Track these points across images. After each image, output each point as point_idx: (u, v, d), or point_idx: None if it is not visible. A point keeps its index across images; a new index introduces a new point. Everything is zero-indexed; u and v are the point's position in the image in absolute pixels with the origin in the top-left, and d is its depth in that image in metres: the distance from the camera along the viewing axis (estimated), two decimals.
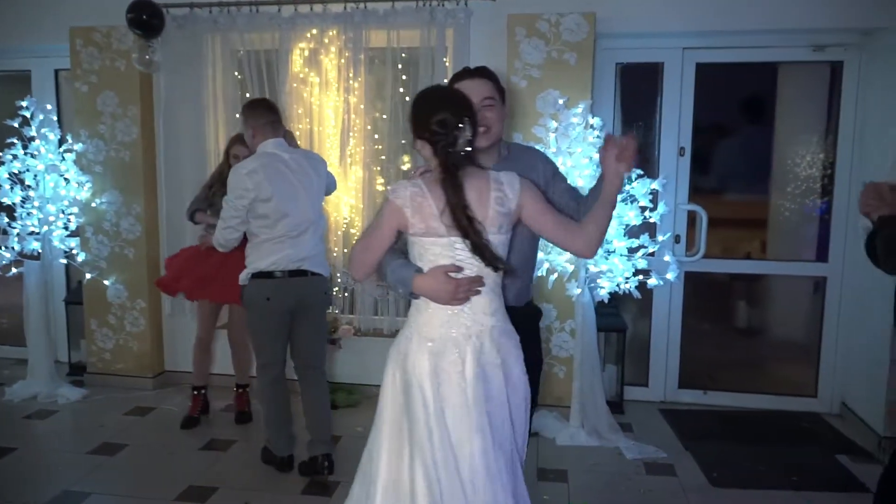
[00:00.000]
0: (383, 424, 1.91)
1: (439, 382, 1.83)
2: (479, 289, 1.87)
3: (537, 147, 2.86)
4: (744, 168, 5.09)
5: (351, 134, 4.05)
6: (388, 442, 1.89)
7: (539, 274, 3.71)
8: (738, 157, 5.06)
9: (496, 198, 1.86)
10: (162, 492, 3.13)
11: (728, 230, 4.80)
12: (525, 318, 2.14)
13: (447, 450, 1.79)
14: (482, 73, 2.17)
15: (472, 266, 1.86)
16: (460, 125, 1.83)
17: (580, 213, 2.06)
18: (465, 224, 1.79)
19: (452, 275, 1.85)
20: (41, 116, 4.22)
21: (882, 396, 3.55)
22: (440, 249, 1.86)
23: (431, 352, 1.86)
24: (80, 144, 4.34)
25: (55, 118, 4.38)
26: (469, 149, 1.86)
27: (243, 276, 3.10)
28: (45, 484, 3.19)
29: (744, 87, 4.46)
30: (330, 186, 3.38)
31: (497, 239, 1.86)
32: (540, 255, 3.67)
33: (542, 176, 2.17)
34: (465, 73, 2.20)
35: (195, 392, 3.96)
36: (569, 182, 2.27)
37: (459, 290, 1.84)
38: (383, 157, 4.19)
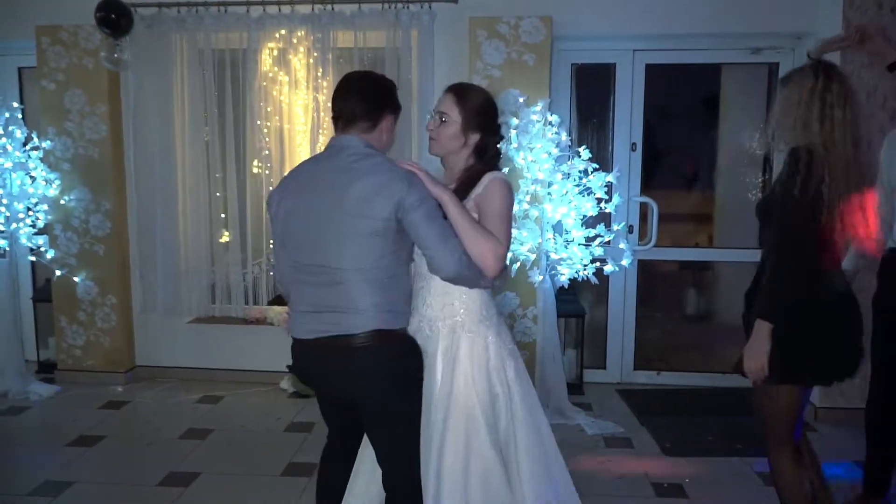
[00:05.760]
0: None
1: None
2: None
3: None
4: (692, 162, 5.41)
5: (320, 131, 4.19)
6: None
7: None
8: (686, 152, 5.37)
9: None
10: (144, 478, 3.23)
11: (678, 223, 5.11)
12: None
13: None
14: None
15: None
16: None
17: None
18: None
19: None
20: (7, 114, 4.24)
21: None
22: None
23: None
24: (48, 142, 4.37)
25: (20, 116, 4.39)
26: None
27: None
28: (26, 475, 3.25)
29: (690, 87, 4.77)
30: None
31: None
32: None
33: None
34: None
35: None
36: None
37: None
38: None
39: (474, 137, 2.11)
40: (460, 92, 2.14)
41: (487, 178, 2.05)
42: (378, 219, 1.88)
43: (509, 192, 2.06)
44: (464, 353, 2.04)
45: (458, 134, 2.10)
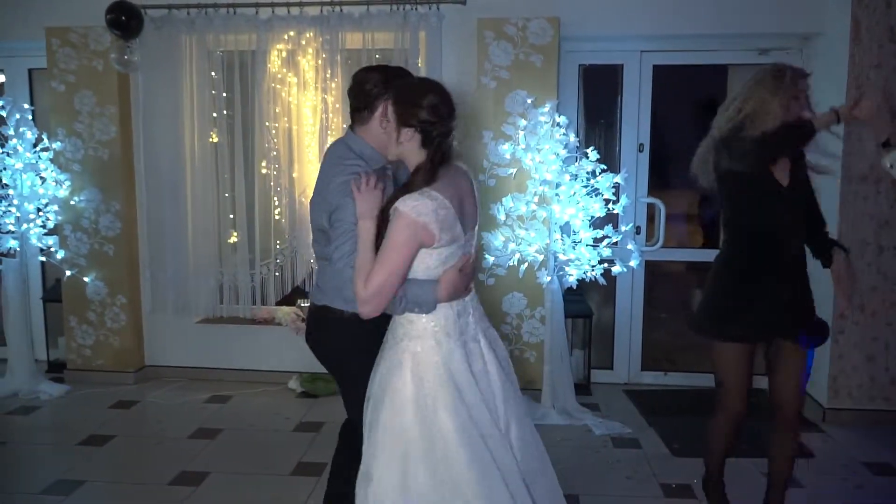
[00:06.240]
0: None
1: (476, 374, 1.96)
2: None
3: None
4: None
5: (329, 132, 4.20)
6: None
7: (510, 263, 3.95)
8: (693, 153, 5.34)
9: (476, 189, 2.07)
10: (155, 478, 3.25)
11: (684, 224, 5.11)
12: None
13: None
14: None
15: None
16: (453, 114, 1.91)
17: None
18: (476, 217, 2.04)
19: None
20: (17, 116, 4.27)
21: (825, 371, 3.88)
22: (455, 250, 1.93)
23: (462, 347, 1.96)
24: (58, 143, 4.40)
25: (30, 117, 4.41)
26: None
27: None
28: (37, 474, 3.28)
29: (697, 88, 4.77)
30: None
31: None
32: (511, 245, 3.91)
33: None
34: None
35: None
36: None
37: (466, 270, 1.95)
38: None
39: (406, 133, 1.91)
40: (394, 90, 1.99)
41: (394, 206, 1.86)
42: (320, 220, 2.09)
43: (404, 225, 1.82)
44: (405, 359, 1.94)
45: (392, 132, 1.95)
